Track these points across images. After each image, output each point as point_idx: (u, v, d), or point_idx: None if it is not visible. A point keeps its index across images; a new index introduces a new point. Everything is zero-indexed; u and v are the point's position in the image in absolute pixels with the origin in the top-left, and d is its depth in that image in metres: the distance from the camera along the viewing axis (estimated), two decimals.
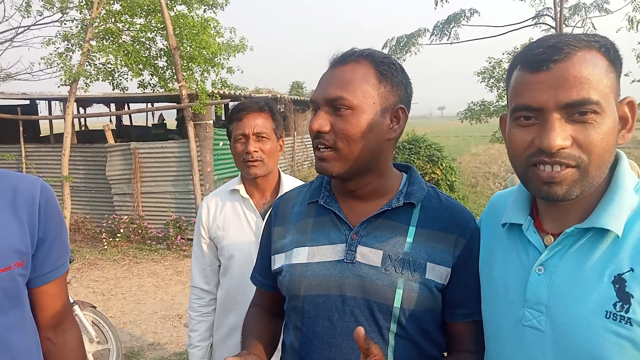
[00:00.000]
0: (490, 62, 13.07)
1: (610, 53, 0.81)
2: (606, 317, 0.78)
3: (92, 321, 3.49)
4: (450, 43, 12.07)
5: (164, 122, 13.99)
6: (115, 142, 8.04)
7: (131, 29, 7.87)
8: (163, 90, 8.19)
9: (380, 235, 1.05)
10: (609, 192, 0.85)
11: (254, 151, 1.69)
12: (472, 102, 13.90)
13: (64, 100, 8.16)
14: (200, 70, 8.02)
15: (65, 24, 7.52)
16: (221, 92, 7.87)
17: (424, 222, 1.07)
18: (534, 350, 0.87)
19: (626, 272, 0.78)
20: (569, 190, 0.81)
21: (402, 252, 1.03)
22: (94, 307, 3.56)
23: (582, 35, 0.82)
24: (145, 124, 15.91)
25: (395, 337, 1.03)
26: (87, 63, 7.41)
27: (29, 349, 1.12)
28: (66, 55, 7.39)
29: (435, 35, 12.03)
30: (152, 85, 8.50)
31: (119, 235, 7.51)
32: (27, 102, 10.57)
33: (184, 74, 7.45)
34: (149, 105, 12.30)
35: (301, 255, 1.10)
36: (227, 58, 8.20)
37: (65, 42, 7.44)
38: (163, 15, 7.04)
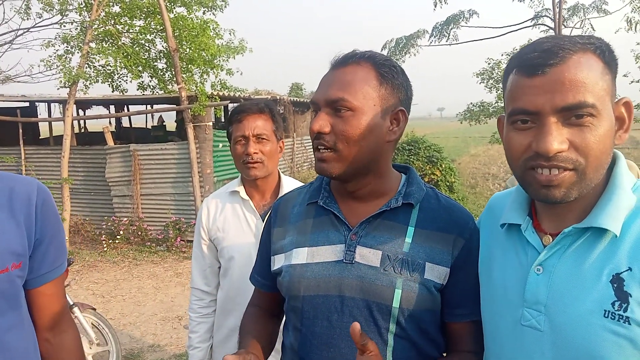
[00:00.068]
0: (489, 63, 13.09)
1: (606, 55, 0.82)
2: (605, 316, 0.78)
3: (92, 323, 3.49)
4: (450, 44, 12.09)
5: (164, 124, 14.00)
6: (115, 144, 8.04)
7: (131, 31, 7.87)
8: (162, 92, 8.19)
9: (379, 236, 1.06)
10: (606, 192, 0.85)
11: (254, 153, 1.69)
12: (471, 103, 13.92)
13: (63, 102, 8.17)
14: (199, 72, 8.02)
15: (64, 26, 7.53)
16: (220, 93, 7.88)
17: (422, 223, 1.07)
18: (533, 350, 0.87)
19: (624, 272, 0.78)
20: (567, 193, 0.82)
21: (401, 253, 1.04)
22: (94, 309, 3.56)
23: (577, 38, 0.82)
24: (144, 126, 15.91)
25: (394, 338, 1.03)
26: (86, 65, 7.41)
27: (27, 350, 1.12)
28: (65, 58, 7.39)
29: (434, 37, 12.05)
30: (151, 87, 8.50)
31: (118, 237, 7.51)
32: (27, 104, 10.57)
33: (184, 75, 7.45)
34: (149, 107, 12.32)
35: (300, 255, 1.10)
36: (227, 60, 8.20)
37: (65, 44, 7.44)
38: (162, 17, 7.04)
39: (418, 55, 12.32)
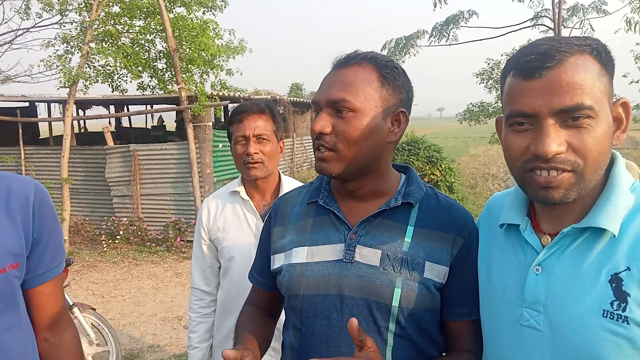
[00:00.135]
0: (489, 64, 13.10)
1: (602, 56, 0.82)
2: (603, 316, 0.79)
3: (92, 323, 3.49)
4: (449, 44, 12.10)
5: (164, 124, 14.00)
6: (115, 144, 8.04)
7: (130, 31, 7.87)
8: (162, 92, 8.19)
9: (379, 235, 1.06)
10: (605, 192, 0.86)
11: (255, 153, 1.70)
12: (471, 103, 13.93)
13: (63, 102, 8.17)
14: (199, 72, 8.02)
15: (64, 26, 7.53)
16: (220, 93, 7.88)
17: (422, 222, 1.08)
18: (532, 350, 0.88)
19: (623, 271, 0.79)
20: (565, 194, 0.82)
21: (401, 252, 1.04)
22: (94, 309, 3.56)
23: (574, 40, 0.83)
24: (144, 126, 15.91)
25: (394, 337, 1.03)
26: (86, 65, 7.41)
27: (25, 351, 1.12)
28: (65, 58, 7.39)
29: (434, 37, 12.06)
30: (151, 87, 8.50)
31: (118, 237, 7.51)
32: (27, 104, 10.57)
33: (183, 76, 7.45)
34: (148, 107, 12.31)
35: (300, 255, 1.11)
36: (226, 60, 8.20)
37: (65, 45, 7.44)
38: (162, 18, 7.05)
39: (418, 55, 12.33)
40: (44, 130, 12.41)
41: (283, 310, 1.23)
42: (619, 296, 0.78)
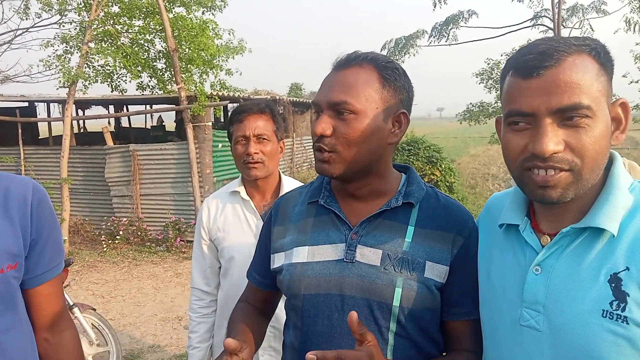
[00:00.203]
0: (488, 64, 13.11)
1: (601, 56, 0.83)
2: (603, 315, 0.79)
3: (92, 323, 3.49)
4: (449, 44, 12.11)
5: (163, 124, 14.00)
6: (114, 144, 8.04)
7: (130, 31, 7.87)
8: (162, 92, 8.19)
9: (380, 235, 1.07)
10: (604, 192, 0.86)
11: (255, 153, 1.70)
12: (470, 103, 13.94)
13: (62, 102, 8.17)
14: (199, 72, 8.01)
15: (63, 26, 7.52)
16: (220, 93, 7.88)
17: (422, 222, 1.08)
18: (532, 350, 0.88)
19: (622, 271, 0.79)
20: (563, 193, 0.83)
21: (401, 252, 1.05)
22: (94, 310, 3.57)
23: (572, 40, 0.83)
24: (144, 126, 15.90)
25: (394, 336, 1.04)
26: (85, 65, 7.40)
27: (25, 351, 1.12)
28: (65, 58, 7.38)
29: (434, 37, 12.07)
30: (150, 87, 8.49)
31: (118, 237, 7.51)
32: (26, 104, 10.56)
33: (183, 75, 7.45)
34: (148, 107, 12.31)
35: (301, 254, 1.11)
36: (226, 60, 8.20)
37: (64, 44, 7.43)
38: (161, 18, 7.04)
39: (417, 55, 12.34)
40: (43, 130, 12.41)
41: (284, 310, 1.23)
42: (618, 296, 0.78)
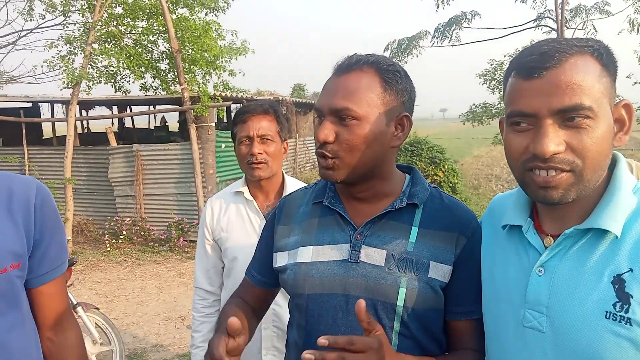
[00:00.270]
0: (491, 64, 13.09)
1: (604, 57, 0.82)
2: (606, 317, 0.79)
3: (95, 323, 3.50)
4: (452, 45, 12.10)
5: (166, 124, 14.04)
6: (118, 145, 8.07)
7: (133, 32, 7.89)
8: (165, 92, 8.21)
9: (384, 236, 1.07)
10: (607, 194, 0.86)
11: (259, 153, 1.70)
12: (474, 104, 13.93)
13: (66, 102, 8.21)
14: (202, 73, 8.03)
15: (67, 27, 7.55)
16: (223, 94, 7.89)
17: (426, 222, 1.08)
18: (535, 351, 0.88)
19: (625, 273, 0.79)
20: (564, 194, 0.83)
21: (405, 252, 1.05)
22: (97, 309, 3.57)
23: (575, 41, 0.83)
24: (147, 127, 15.95)
25: (398, 336, 1.04)
26: (89, 66, 7.43)
27: (28, 350, 1.12)
28: (68, 58, 7.41)
29: (437, 38, 12.06)
30: (154, 87, 8.51)
31: (121, 237, 7.53)
32: (30, 104, 10.62)
33: (186, 76, 7.47)
34: (151, 107, 12.34)
35: (306, 254, 1.11)
36: (229, 61, 8.21)
37: (68, 45, 7.45)
38: (165, 19, 7.06)
39: (420, 56, 12.34)
40: (47, 131, 12.46)
41: (287, 309, 1.23)
42: (622, 297, 0.78)
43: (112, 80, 8.05)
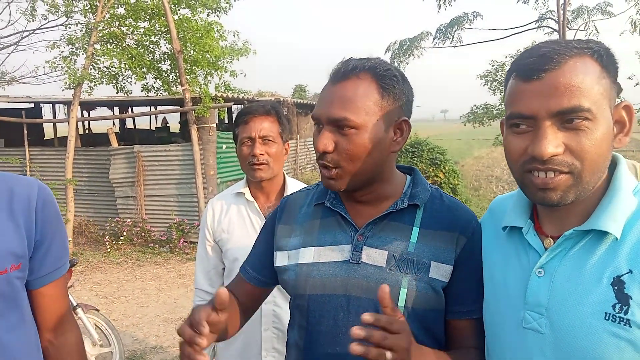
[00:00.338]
0: (493, 66, 13.10)
1: (604, 59, 0.82)
2: (605, 318, 0.79)
3: (95, 324, 3.50)
4: (454, 46, 12.10)
5: (167, 125, 14.04)
6: (119, 145, 8.08)
7: (135, 32, 7.91)
8: (166, 93, 8.23)
9: (385, 237, 1.07)
10: (607, 195, 0.86)
11: (260, 154, 1.70)
12: (475, 105, 13.95)
13: (68, 103, 8.22)
14: (203, 74, 8.05)
15: (69, 27, 7.57)
16: (224, 95, 7.90)
17: (427, 223, 1.09)
18: (535, 353, 0.88)
19: (625, 274, 0.79)
20: (563, 196, 0.83)
21: (406, 252, 1.05)
22: (97, 310, 3.58)
23: (575, 42, 0.83)
24: (148, 127, 15.97)
25: None
26: (91, 66, 7.45)
27: (29, 351, 1.12)
28: (70, 59, 7.43)
29: (438, 39, 12.07)
30: (155, 88, 8.53)
31: (122, 238, 7.54)
32: (32, 105, 10.64)
33: (188, 77, 7.48)
34: (153, 108, 12.37)
35: (307, 255, 1.12)
36: (231, 62, 8.23)
37: (70, 46, 7.48)
38: (167, 19, 7.07)
39: (422, 57, 12.35)
40: (48, 132, 12.48)
41: (287, 310, 1.23)
42: (621, 299, 0.78)
43: (114, 81, 8.07)
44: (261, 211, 1.79)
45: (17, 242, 1.06)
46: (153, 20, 7.87)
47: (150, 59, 8.04)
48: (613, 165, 0.89)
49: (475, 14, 11.66)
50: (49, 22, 7.60)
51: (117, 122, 14.28)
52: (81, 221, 8.00)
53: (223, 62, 8.04)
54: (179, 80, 7.52)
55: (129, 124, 15.02)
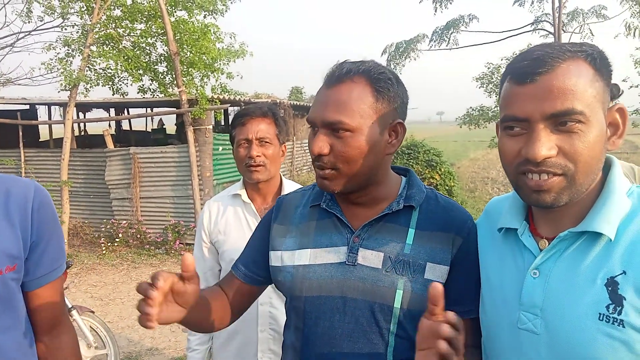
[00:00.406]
0: (488, 68, 13.16)
1: (597, 62, 0.83)
2: (599, 319, 0.80)
3: (90, 326, 3.48)
4: (450, 49, 12.14)
5: (164, 127, 14.02)
6: (115, 147, 8.05)
7: (131, 34, 7.89)
8: (163, 95, 8.20)
9: (381, 238, 1.08)
10: (601, 197, 0.87)
11: (257, 156, 1.71)
12: (470, 107, 13.99)
13: (63, 105, 8.19)
14: (200, 76, 8.04)
15: (65, 29, 7.54)
16: (221, 97, 7.89)
17: (422, 224, 1.09)
18: (530, 353, 0.89)
19: (618, 275, 0.80)
20: (557, 198, 0.84)
21: (402, 254, 1.06)
22: (92, 312, 3.56)
23: (568, 46, 0.84)
24: (144, 129, 15.92)
25: (394, 338, 1.05)
26: (87, 68, 7.42)
27: (24, 353, 1.12)
28: (66, 61, 7.39)
29: (434, 41, 12.10)
30: (151, 90, 8.51)
31: (117, 240, 7.51)
32: (27, 107, 10.59)
33: (184, 79, 7.47)
34: (149, 110, 12.33)
35: (303, 257, 1.12)
36: (227, 63, 8.22)
37: (66, 48, 7.44)
38: (163, 21, 7.07)
39: (418, 59, 12.38)
40: (44, 133, 12.42)
41: (283, 312, 1.23)
42: (615, 300, 0.79)
43: (110, 83, 8.04)
44: (258, 213, 1.79)
45: (12, 243, 1.06)
46: (149, 22, 7.86)
47: (146, 60, 8.03)
48: (607, 167, 0.90)
49: (472, 16, 11.71)
50: (44, 23, 7.56)
51: (113, 123, 14.24)
52: (76, 223, 7.97)
53: (220, 64, 8.04)
54: (175, 82, 7.51)
55: (125, 125, 14.98)
